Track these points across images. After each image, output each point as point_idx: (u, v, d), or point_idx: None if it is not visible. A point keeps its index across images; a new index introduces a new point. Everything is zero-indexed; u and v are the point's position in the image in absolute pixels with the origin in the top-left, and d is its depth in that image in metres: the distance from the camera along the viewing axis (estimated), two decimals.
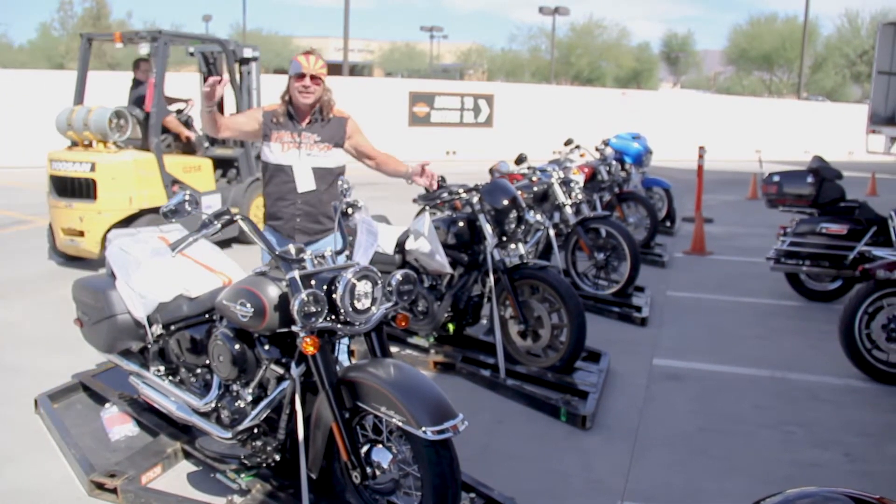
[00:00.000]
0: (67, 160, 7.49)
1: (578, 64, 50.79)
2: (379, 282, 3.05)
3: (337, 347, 3.26)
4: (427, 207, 5.08)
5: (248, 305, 3.11)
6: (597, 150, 9.32)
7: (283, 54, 52.16)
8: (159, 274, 3.75)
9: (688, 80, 60.72)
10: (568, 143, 9.33)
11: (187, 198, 3.06)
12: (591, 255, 7.08)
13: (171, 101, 8.84)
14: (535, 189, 7.20)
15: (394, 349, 5.52)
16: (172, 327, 3.74)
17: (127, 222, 7.34)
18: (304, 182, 3.96)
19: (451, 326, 5.33)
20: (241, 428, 3.26)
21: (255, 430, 3.36)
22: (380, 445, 2.99)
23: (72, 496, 3.49)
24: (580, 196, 7.09)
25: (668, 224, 10.81)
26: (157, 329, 3.81)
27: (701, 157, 11.39)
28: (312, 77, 3.89)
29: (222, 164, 9.16)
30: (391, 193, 10.57)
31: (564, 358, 4.94)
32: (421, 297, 5.37)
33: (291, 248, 3.16)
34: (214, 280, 3.74)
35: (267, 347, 3.24)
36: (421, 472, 2.82)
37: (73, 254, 7.72)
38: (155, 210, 7.40)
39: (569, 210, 7.01)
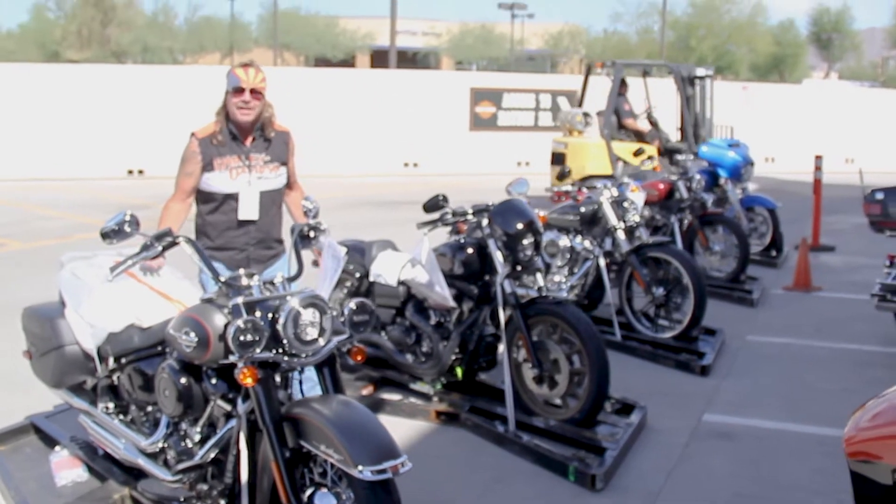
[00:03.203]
0: (557, 141, 14.51)
1: (701, 48, 50.90)
2: (328, 311, 3.61)
3: (291, 382, 3.82)
4: (426, 231, 5.61)
5: (193, 335, 3.68)
6: (675, 161, 9.74)
7: (324, 39, 53.77)
8: (110, 301, 4.38)
9: (846, 68, 60.10)
10: (638, 153, 9.83)
11: (127, 218, 3.69)
12: (647, 289, 7.50)
13: (629, 110, 14.46)
14: (583, 210, 7.71)
15: (395, 397, 6.09)
16: (123, 360, 4.36)
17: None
18: (248, 210, 4.59)
19: (458, 370, 5.85)
20: (180, 467, 3.84)
21: (204, 473, 3.93)
22: (324, 490, 3.53)
23: None
24: (636, 218, 7.55)
25: (773, 253, 11.12)
26: (110, 362, 4.44)
27: (818, 168, 11.76)
28: (252, 91, 4.56)
29: (672, 153, 13.61)
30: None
31: (584, 409, 5.40)
32: (425, 335, 5.91)
33: (242, 272, 3.75)
34: (170, 309, 4.33)
35: (214, 381, 3.81)
36: None
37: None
38: (601, 177, 11.52)
39: (621, 235, 7.47)
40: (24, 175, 18.00)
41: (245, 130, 4.70)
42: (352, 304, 3.71)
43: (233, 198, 4.69)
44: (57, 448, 4.89)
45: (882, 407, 3.01)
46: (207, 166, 4.67)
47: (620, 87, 14.29)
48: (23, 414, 5.47)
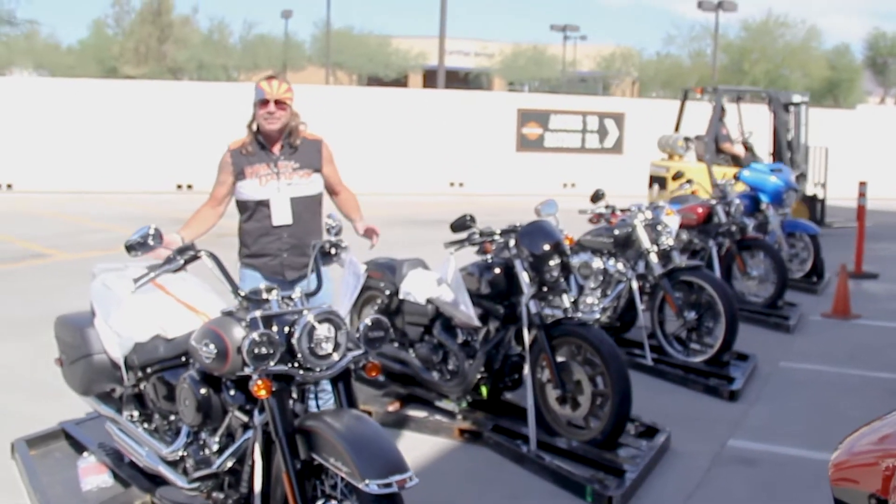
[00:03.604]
0: (657, 165, 15.05)
1: (753, 72, 50.50)
2: (343, 327, 3.69)
3: (307, 395, 3.90)
4: (453, 251, 5.69)
5: (212, 346, 3.78)
6: (715, 185, 9.73)
7: (376, 58, 54.27)
8: (137, 312, 4.50)
9: None
10: (677, 176, 9.84)
11: (151, 231, 3.80)
12: (678, 313, 7.50)
13: (727, 134, 14.75)
14: (617, 232, 7.74)
15: (420, 414, 6.14)
16: (149, 370, 4.47)
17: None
18: (281, 215, 4.74)
19: (483, 389, 5.90)
20: (196, 475, 3.94)
21: (221, 482, 4.02)
22: (334, 502, 3.60)
23: None
24: (669, 242, 7.55)
25: (814, 279, 11.04)
26: (137, 371, 4.56)
27: (862, 194, 11.69)
28: (277, 102, 4.77)
29: None
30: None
31: (606, 431, 5.42)
32: (452, 354, 5.97)
33: (262, 287, 3.85)
34: (195, 321, 4.43)
35: (232, 393, 3.90)
36: None
37: None
38: None
39: (654, 258, 7.48)
40: (77, 188, 18.43)
41: (272, 139, 4.90)
42: (367, 320, 3.79)
43: (264, 204, 4.88)
44: (85, 454, 5.03)
45: (866, 436, 3.04)
46: (239, 175, 4.89)
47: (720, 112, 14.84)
48: (56, 420, 5.62)
